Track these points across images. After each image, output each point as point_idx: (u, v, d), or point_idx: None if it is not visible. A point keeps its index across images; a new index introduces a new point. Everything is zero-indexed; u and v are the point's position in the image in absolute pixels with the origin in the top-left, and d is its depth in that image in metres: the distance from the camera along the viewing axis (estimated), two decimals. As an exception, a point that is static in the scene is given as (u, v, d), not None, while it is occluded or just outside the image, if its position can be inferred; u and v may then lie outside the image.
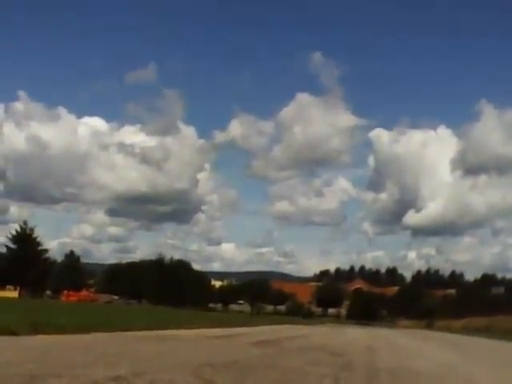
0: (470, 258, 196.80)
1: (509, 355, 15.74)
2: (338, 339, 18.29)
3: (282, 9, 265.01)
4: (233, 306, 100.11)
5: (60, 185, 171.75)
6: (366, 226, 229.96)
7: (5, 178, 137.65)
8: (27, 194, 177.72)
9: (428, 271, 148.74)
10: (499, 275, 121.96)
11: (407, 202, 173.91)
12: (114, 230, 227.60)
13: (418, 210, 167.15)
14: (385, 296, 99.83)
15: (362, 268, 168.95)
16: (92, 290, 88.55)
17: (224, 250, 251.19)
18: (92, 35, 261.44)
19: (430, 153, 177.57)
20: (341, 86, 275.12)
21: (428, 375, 7.41)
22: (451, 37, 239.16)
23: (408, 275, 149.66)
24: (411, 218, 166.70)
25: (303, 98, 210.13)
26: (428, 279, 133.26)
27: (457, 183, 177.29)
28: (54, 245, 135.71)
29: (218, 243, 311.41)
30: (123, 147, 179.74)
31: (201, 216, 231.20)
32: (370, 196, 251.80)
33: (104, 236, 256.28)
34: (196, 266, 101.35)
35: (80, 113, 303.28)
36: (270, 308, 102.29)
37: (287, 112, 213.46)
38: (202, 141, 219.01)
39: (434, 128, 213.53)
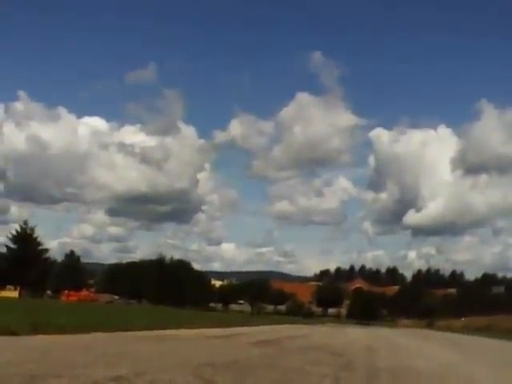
0: (470, 257, 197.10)
1: (509, 355, 15.73)
2: (338, 339, 18.29)
3: (282, 9, 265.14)
4: (233, 306, 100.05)
5: (60, 185, 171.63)
6: (367, 226, 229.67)
7: (5, 178, 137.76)
8: (27, 194, 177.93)
9: (428, 271, 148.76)
10: (499, 275, 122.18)
11: (407, 201, 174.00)
12: (114, 230, 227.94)
13: (419, 210, 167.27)
14: (385, 296, 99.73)
15: (363, 268, 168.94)
16: (92, 289, 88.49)
17: (224, 250, 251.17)
18: (92, 35, 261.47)
19: (431, 152, 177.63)
20: (341, 86, 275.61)
21: (428, 375, 7.40)
22: (451, 36, 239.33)
23: (408, 275, 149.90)
24: (411, 217, 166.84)
25: (303, 97, 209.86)
26: (428, 279, 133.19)
27: (457, 183, 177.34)
28: (54, 245, 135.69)
29: (218, 243, 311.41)
30: (123, 147, 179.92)
31: (201, 216, 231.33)
32: (370, 196, 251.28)
33: (104, 236, 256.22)
34: (196, 266, 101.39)
35: (80, 113, 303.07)
36: (270, 308, 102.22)
37: (287, 112, 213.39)
38: (202, 141, 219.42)
39: (435, 127, 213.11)
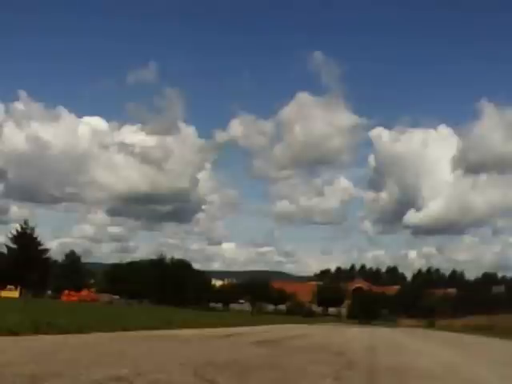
0: (470, 256, 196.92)
1: (509, 354, 15.74)
2: (338, 338, 18.30)
3: (282, 9, 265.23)
4: (233, 306, 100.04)
5: (60, 185, 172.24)
6: (367, 225, 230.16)
7: (5, 178, 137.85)
8: (27, 194, 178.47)
9: (429, 270, 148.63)
10: (500, 274, 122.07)
11: (408, 201, 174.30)
12: (114, 230, 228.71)
13: (419, 209, 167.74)
14: (385, 295, 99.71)
15: (363, 267, 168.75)
16: (92, 289, 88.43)
17: (225, 250, 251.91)
18: (92, 35, 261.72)
19: (431, 152, 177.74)
20: (341, 85, 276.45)
21: (429, 374, 7.40)
22: (451, 36, 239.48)
23: (409, 274, 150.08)
24: (412, 217, 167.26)
25: (303, 97, 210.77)
26: (428, 278, 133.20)
27: (457, 182, 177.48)
28: (54, 244, 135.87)
29: (219, 243, 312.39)
30: (123, 147, 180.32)
31: (201, 215, 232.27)
32: (370, 195, 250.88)
33: (104, 236, 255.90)
34: (196, 266, 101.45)
35: (80, 112, 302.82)
36: (270, 307, 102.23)
37: (287, 111, 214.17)
38: (202, 140, 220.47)
39: (435, 127, 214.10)
